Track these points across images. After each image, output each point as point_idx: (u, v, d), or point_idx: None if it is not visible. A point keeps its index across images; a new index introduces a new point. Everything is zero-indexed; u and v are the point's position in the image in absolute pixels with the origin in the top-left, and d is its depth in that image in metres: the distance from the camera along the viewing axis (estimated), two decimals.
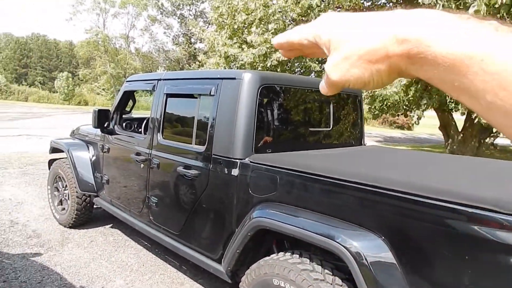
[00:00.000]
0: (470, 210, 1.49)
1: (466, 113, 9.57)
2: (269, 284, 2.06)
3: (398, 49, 0.36)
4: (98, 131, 3.92)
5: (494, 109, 0.30)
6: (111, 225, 4.38)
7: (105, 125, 3.76)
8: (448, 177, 2.13)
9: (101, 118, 3.70)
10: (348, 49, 0.39)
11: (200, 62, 11.57)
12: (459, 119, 10.47)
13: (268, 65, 8.42)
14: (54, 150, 4.58)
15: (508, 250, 1.41)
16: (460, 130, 9.70)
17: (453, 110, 9.68)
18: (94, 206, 4.24)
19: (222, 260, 2.46)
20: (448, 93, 0.36)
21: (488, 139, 10.38)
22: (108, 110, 3.80)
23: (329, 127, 3.12)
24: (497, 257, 1.45)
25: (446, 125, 9.76)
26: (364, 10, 8.62)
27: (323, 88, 0.45)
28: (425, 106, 8.29)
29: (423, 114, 9.33)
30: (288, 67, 9.13)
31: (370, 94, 7.51)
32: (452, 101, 8.19)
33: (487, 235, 1.45)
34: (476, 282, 1.50)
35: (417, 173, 2.21)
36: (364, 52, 0.38)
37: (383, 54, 0.37)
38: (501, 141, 15.88)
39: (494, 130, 10.49)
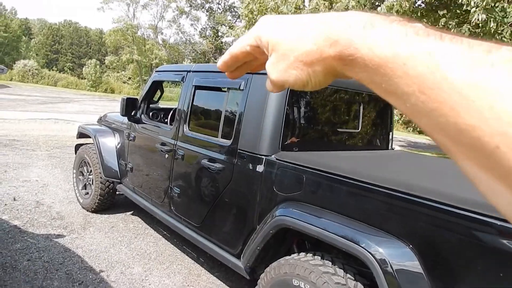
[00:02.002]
0: (503, 224, 1.42)
1: None
2: (288, 284, 2.04)
3: (331, 51, 0.36)
4: (125, 119, 3.97)
5: (418, 111, 0.31)
6: (132, 212, 4.44)
7: (132, 114, 3.81)
8: None
9: (129, 106, 3.75)
10: (285, 50, 0.39)
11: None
12: None
13: None
14: (81, 135, 4.68)
15: None
16: None
17: None
18: (117, 193, 4.31)
19: (242, 255, 2.45)
20: (378, 94, 0.35)
21: None
22: (136, 99, 3.84)
23: (358, 129, 3.06)
24: None
25: None
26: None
27: (268, 86, 0.44)
28: None
29: None
30: None
31: None
32: None
33: None
34: None
35: (449, 182, 2.13)
36: (300, 54, 0.38)
37: (318, 56, 0.37)
38: None
39: None
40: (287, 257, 2.13)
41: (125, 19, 33.87)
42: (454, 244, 1.58)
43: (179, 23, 38.39)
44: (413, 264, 1.67)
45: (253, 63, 0.48)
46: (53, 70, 39.64)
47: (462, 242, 1.55)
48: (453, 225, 1.58)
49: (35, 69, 32.64)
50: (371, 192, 1.85)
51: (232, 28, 11.04)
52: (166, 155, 3.22)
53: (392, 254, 1.70)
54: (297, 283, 2.00)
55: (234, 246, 2.56)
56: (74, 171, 4.67)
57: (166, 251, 3.57)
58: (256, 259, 2.33)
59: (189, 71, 3.23)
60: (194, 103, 3.11)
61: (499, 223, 1.43)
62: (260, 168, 2.38)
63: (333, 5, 7.44)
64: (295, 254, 2.15)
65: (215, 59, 32.80)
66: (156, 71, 3.86)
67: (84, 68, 33.36)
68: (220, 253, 2.65)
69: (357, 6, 7.31)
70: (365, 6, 7.45)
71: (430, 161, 3.26)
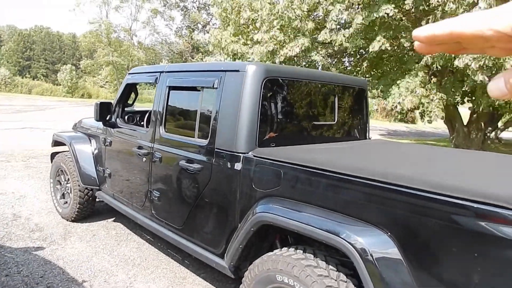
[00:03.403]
0: (478, 206, 1.45)
1: (472, 107, 9.48)
2: (272, 279, 2.04)
3: None
4: (100, 124, 3.89)
5: None
6: (113, 218, 4.37)
7: (107, 118, 3.73)
8: (456, 172, 2.08)
9: (103, 111, 3.67)
10: None
11: (204, 54, 11.50)
12: (464, 112, 10.37)
13: (276, 61, 8.36)
14: (56, 143, 4.56)
15: None
16: (465, 124, 9.60)
17: (459, 103, 9.58)
18: (97, 200, 4.22)
19: (225, 255, 2.44)
20: None
21: (493, 133, 10.27)
22: (110, 103, 3.76)
23: (334, 121, 3.07)
24: (507, 254, 1.41)
25: (452, 118, 9.66)
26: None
27: (501, 91, 0.39)
28: (441, 102, 8.21)
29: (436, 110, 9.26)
30: (295, 62, 9.05)
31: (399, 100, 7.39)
32: (458, 95, 8.09)
33: (496, 232, 1.41)
34: (485, 279, 1.46)
35: (424, 168, 2.16)
36: None
37: None
38: (505, 134, 15.75)
39: (499, 124, 10.40)
40: (270, 253, 2.12)
41: (101, 20, 33.14)
42: (431, 229, 1.60)
43: (154, 24, 37.89)
44: (392, 251, 1.69)
45: (468, 46, 0.43)
46: (26, 77, 38.52)
47: (439, 226, 1.57)
48: (429, 210, 1.60)
49: (8, 78, 31.67)
50: (347, 183, 1.86)
51: (205, 27, 10.97)
52: (144, 159, 3.17)
53: (371, 242, 1.71)
54: (280, 279, 1.99)
55: (217, 246, 2.54)
56: (51, 180, 4.55)
57: (150, 255, 3.52)
58: (239, 257, 2.32)
59: (162, 72, 3.17)
60: (169, 104, 3.06)
61: (475, 205, 1.46)
62: (238, 166, 2.37)
63: None
64: (278, 250, 2.15)
65: (193, 58, 32.51)
66: (129, 74, 3.79)
67: (58, 74, 32.48)
68: (204, 254, 2.63)
69: None
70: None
71: (407, 148, 3.31)
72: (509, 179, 1.93)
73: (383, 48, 7.18)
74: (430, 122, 9.30)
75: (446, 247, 1.57)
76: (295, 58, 8.59)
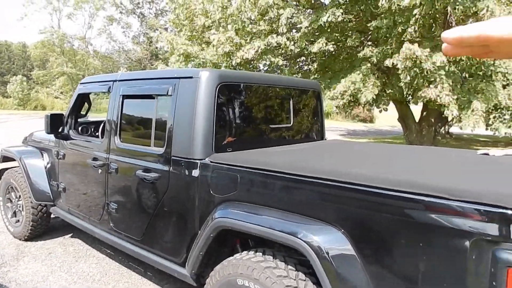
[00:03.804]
0: (422, 198, 1.53)
1: (422, 104, 9.97)
2: (233, 284, 2.04)
3: None
4: (52, 137, 3.73)
5: None
6: (70, 234, 4.19)
7: (59, 130, 3.59)
8: (402, 167, 2.19)
9: (55, 123, 3.54)
10: None
11: (162, 60, 11.35)
12: (417, 110, 10.88)
13: (233, 63, 8.39)
14: (5, 158, 4.32)
15: (458, 234, 1.46)
16: (417, 121, 10.08)
17: (410, 102, 10.05)
18: (52, 216, 4.04)
19: (186, 263, 2.41)
20: None
21: (443, 128, 10.85)
22: (62, 115, 3.63)
23: (290, 123, 3.13)
24: (448, 242, 1.50)
25: (404, 116, 10.11)
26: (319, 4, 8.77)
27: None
28: (389, 96, 8.60)
29: (387, 106, 9.68)
30: (252, 65, 9.14)
31: (340, 93, 7.67)
32: (409, 93, 8.50)
33: (438, 221, 1.50)
34: (431, 266, 1.55)
35: (374, 165, 2.26)
36: None
37: None
38: (456, 130, 16.67)
39: (449, 119, 11.01)
40: (230, 258, 2.13)
41: (52, 30, 31.78)
42: (378, 223, 1.68)
43: (110, 31, 36.86)
44: (346, 247, 1.74)
45: (495, 50, 0.44)
46: None
47: (385, 220, 1.65)
48: (376, 205, 1.67)
49: None
50: (300, 183, 1.91)
51: (161, 33, 10.83)
52: (99, 170, 3.08)
53: (326, 240, 1.76)
54: (241, 283, 2.00)
55: (177, 254, 2.51)
56: (1, 198, 4.30)
57: (111, 270, 3.42)
58: (200, 264, 2.30)
59: (116, 81, 3.11)
60: (123, 113, 3.00)
61: (426, 199, 1.53)
62: (195, 172, 2.36)
63: (257, 2, 7.60)
64: (238, 254, 2.16)
65: (152, 65, 31.93)
66: (80, 83, 3.67)
67: (8, 86, 30.79)
68: (165, 264, 2.59)
69: (277, 3, 7.57)
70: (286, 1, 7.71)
71: (361, 147, 3.43)
72: (449, 171, 2.06)
73: (323, 49, 7.48)
74: (386, 109, 9.75)
75: (394, 239, 1.65)
76: (252, 61, 8.69)
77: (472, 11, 6.26)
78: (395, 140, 14.36)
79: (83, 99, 3.73)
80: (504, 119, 7.80)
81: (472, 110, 6.78)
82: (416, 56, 6.19)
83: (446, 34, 0.47)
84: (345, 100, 7.90)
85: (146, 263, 2.81)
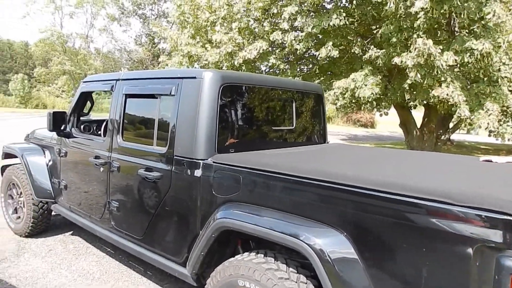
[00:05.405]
0: (423, 202, 1.54)
1: (424, 110, 9.98)
2: (234, 285, 2.04)
3: None
4: (54, 134, 3.74)
5: None
6: (71, 232, 4.19)
7: (62, 128, 3.60)
8: (406, 171, 2.19)
9: (57, 120, 3.54)
10: None
11: (162, 62, 11.36)
12: (418, 116, 10.89)
13: (235, 63, 8.41)
14: (7, 155, 4.32)
15: (460, 239, 1.46)
16: (419, 126, 10.08)
17: (412, 107, 10.05)
18: (53, 213, 4.04)
19: (187, 263, 2.41)
20: None
21: (445, 135, 10.85)
22: (64, 112, 3.63)
23: (292, 126, 3.14)
24: (452, 247, 1.50)
25: (406, 122, 10.11)
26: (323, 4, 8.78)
27: None
28: (390, 101, 8.60)
29: (388, 110, 9.71)
30: (254, 66, 9.15)
31: (341, 91, 7.69)
32: (411, 98, 8.51)
33: (441, 226, 1.50)
34: (434, 271, 1.55)
35: (376, 168, 2.26)
36: None
37: None
38: (457, 137, 16.68)
39: (451, 126, 11.02)
40: (231, 259, 2.13)
41: (52, 29, 31.83)
42: (381, 226, 1.68)
43: (111, 31, 36.92)
44: (348, 250, 1.75)
45: None
46: None
47: (388, 223, 1.65)
48: (378, 208, 1.68)
49: None
50: (303, 185, 1.91)
51: (165, 30, 10.84)
52: (101, 169, 3.08)
53: (328, 243, 1.76)
54: (242, 284, 2.00)
55: (178, 254, 2.51)
56: (2, 195, 4.31)
57: (111, 268, 3.41)
58: (201, 265, 2.30)
59: (119, 80, 3.11)
60: (126, 112, 3.00)
61: (423, 202, 1.54)
62: (197, 172, 2.36)
63: None
64: (239, 255, 2.16)
65: (154, 66, 31.98)
66: (83, 82, 3.68)
67: (10, 84, 30.80)
68: (166, 264, 2.59)
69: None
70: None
71: (363, 151, 3.43)
72: (452, 176, 2.06)
73: (330, 55, 7.50)
74: (386, 114, 9.78)
75: (396, 243, 1.65)
76: (253, 62, 8.71)
77: (477, 16, 6.27)
78: (395, 146, 14.36)
79: (85, 98, 3.74)
80: (508, 124, 7.79)
81: (487, 110, 6.73)
82: (430, 52, 6.17)
83: None
84: (346, 100, 7.92)
85: (147, 262, 2.81)
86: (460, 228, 1.46)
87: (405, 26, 6.89)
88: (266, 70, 9.75)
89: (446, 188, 1.59)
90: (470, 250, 1.43)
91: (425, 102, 7.90)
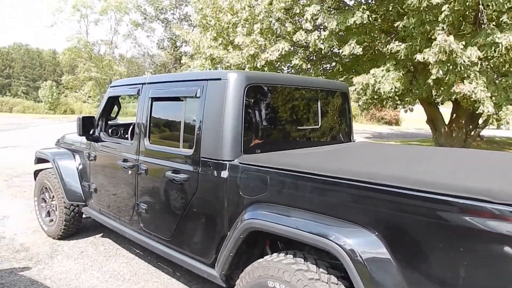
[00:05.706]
0: (461, 201, 1.48)
1: (452, 106, 9.67)
2: (264, 286, 2.03)
3: None
4: (84, 139, 3.84)
5: None
6: (101, 234, 4.29)
7: (91, 133, 3.69)
8: (438, 169, 2.12)
9: (86, 125, 3.64)
10: None
11: (184, 64, 11.49)
12: (446, 112, 10.57)
13: (258, 65, 8.42)
14: (39, 160, 4.47)
15: (500, 239, 1.40)
16: (447, 123, 9.79)
17: (440, 103, 9.76)
18: (83, 216, 4.15)
19: (216, 264, 2.42)
20: None
21: (474, 131, 10.49)
22: (93, 117, 3.73)
23: (318, 125, 3.10)
24: (490, 247, 1.44)
25: (433, 118, 9.83)
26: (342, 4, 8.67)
27: None
28: (414, 96, 8.39)
29: (413, 106, 9.47)
30: (276, 66, 9.13)
31: (361, 87, 7.57)
32: (438, 94, 8.26)
33: (480, 225, 1.44)
34: (472, 272, 1.49)
35: (408, 167, 2.20)
36: None
37: None
38: (487, 132, 16.10)
39: (480, 121, 10.64)
40: (260, 260, 2.12)
41: (78, 36, 32.83)
42: (415, 226, 1.63)
43: (135, 36, 37.70)
44: (381, 251, 1.70)
45: None
46: (6, 95, 37.74)
47: (422, 223, 1.60)
48: (412, 207, 1.63)
49: None
50: (333, 185, 1.88)
51: (188, 33, 10.96)
52: (129, 171, 3.14)
53: (359, 243, 1.73)
54: (272, 285, 1.99)
55: (207, 255, 2.52)
56: (35, 198, 4.46)
57: (140, 270, 3.47)
58: (230, 266, 2.30)
59: (144, 83, 3.16)
60: (152, 116, 3.05)
61: (461, 201, 1.48)
62: (224, 173, 2.37)
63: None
64: (268, 256, 2.14)
65: (176, 70, 32.44)
66: (110, 87, 3.76)
67: (39, 91, 31.98)
68: (194, 265, 2.60)
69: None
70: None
71: (391, 149, 3.35)
72: (488, 174, 1.98)
73: (354, 52, 7.37)
74: (411, 110, 9.53)
75: (432, 243, 1.59)
76: (276, 62, 8.68)
77: (507, 7, 6.01)
78: (423, 143, 14.00)
79: (113, 102, 3.82)
80: None
81: None
82: (452, 49, 5.99)
83: None
84: (368, 96, 7.77)
85: (175, 263, 2.84)
86: (499, 226, 1.40)
87: (427, 20, 6.70)
88: (288, 71, 9.70)
89: (483, 185, 1.53)
90: (509, 249, 1.37)
91: (449, 98, 7.66)
